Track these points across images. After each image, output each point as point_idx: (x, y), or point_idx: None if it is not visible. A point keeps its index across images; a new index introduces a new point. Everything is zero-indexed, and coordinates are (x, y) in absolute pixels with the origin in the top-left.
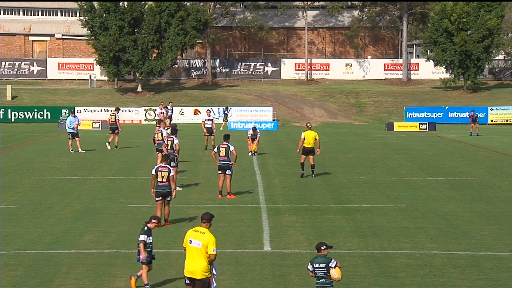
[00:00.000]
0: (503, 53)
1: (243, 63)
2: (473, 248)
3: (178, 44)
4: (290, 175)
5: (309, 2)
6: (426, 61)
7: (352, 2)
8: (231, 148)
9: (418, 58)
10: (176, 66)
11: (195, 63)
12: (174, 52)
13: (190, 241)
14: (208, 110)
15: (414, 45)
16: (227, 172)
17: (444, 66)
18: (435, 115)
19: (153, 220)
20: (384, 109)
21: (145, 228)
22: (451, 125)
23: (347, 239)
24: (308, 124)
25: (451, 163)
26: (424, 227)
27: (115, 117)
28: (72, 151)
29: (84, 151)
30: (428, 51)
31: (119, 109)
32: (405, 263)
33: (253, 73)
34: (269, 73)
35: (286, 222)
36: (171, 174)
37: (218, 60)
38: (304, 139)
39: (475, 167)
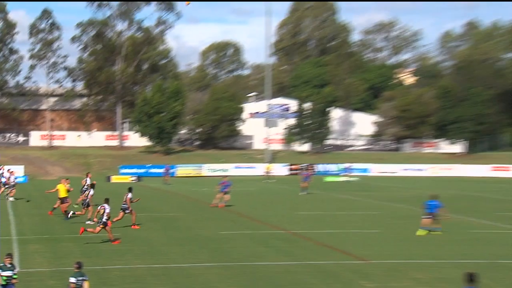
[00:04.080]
0: (186, 128)
1: (1, 134)
2: (165, 261)
3: None
4: (36, 215)
5: (51, 90)
6: (134, 133)
7: (81, 91)
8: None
9: (129, 131)
10: None
11: None
12: None
13: None
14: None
15: (127, 122)
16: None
17: (147, 137)
18: (141, 170)
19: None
20: (105, 167)
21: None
22: (152, 178)
23: (78, 259)
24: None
25: (152, 203)
26: (131, 249)
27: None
28: None
29: None
30: (136, 126)
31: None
32: (118, 275)
33: (8, 141)
34: (20, 142)
35: (32, 249)
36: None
37: None
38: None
39: (167, 205)
